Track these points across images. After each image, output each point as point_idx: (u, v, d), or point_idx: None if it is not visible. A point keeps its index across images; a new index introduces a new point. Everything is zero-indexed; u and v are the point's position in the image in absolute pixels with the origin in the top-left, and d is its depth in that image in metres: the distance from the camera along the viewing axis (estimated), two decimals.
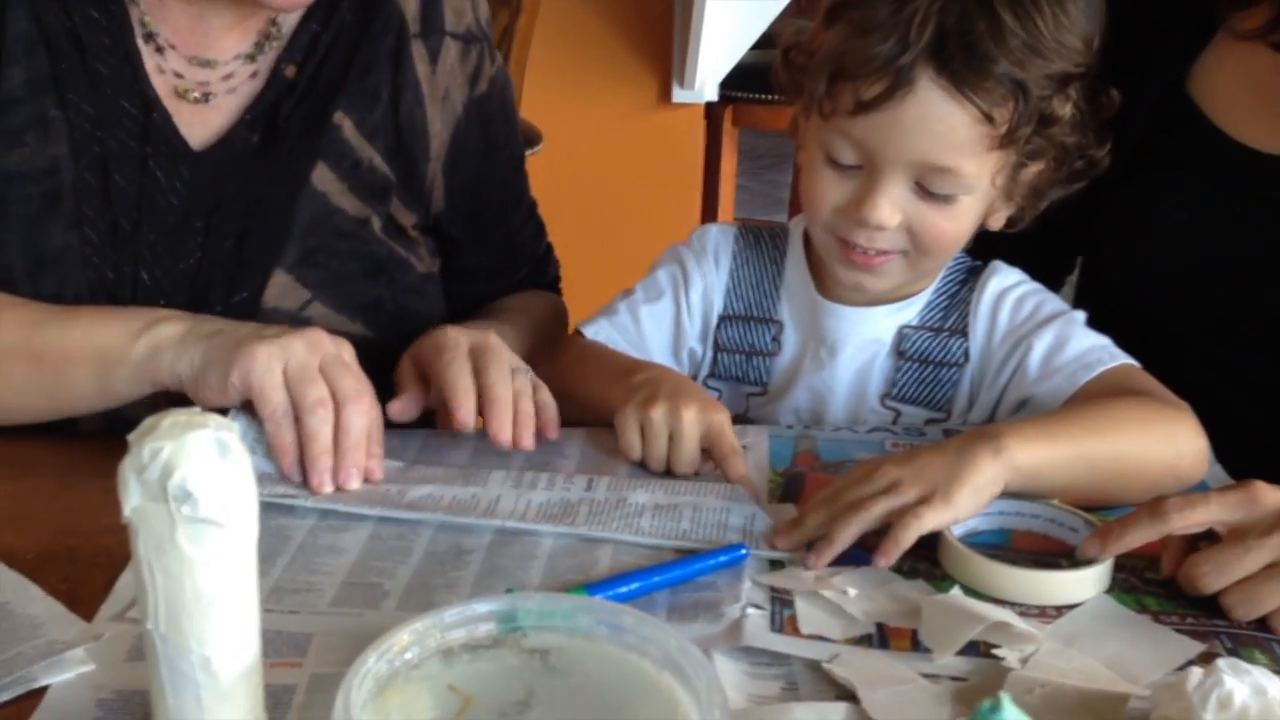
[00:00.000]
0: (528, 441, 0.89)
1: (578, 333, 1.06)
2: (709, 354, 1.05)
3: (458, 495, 0.85)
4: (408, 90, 1.05)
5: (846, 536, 0.77)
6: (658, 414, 0.89)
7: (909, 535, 0.76)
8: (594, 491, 0.86)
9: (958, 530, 0.79)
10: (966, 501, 0.77)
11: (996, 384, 0.98)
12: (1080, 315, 0.98)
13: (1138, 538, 0.75)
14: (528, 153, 2.05)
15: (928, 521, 0.76)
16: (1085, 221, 1.09)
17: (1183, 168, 1.07)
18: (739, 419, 1.02)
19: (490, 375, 0.90)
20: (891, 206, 0.91)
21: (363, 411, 0.84)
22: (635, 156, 2.50)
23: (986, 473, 0.78)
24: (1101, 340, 0.96)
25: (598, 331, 1.04)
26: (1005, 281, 1.00)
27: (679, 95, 2.44)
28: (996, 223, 0.97)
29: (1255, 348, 1.04)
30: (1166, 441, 0.86)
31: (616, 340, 1.04)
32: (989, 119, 0.87)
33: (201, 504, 0.56)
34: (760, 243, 1.06)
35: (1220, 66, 1.06)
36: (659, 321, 1.05)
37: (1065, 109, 0.91)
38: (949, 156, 0.89)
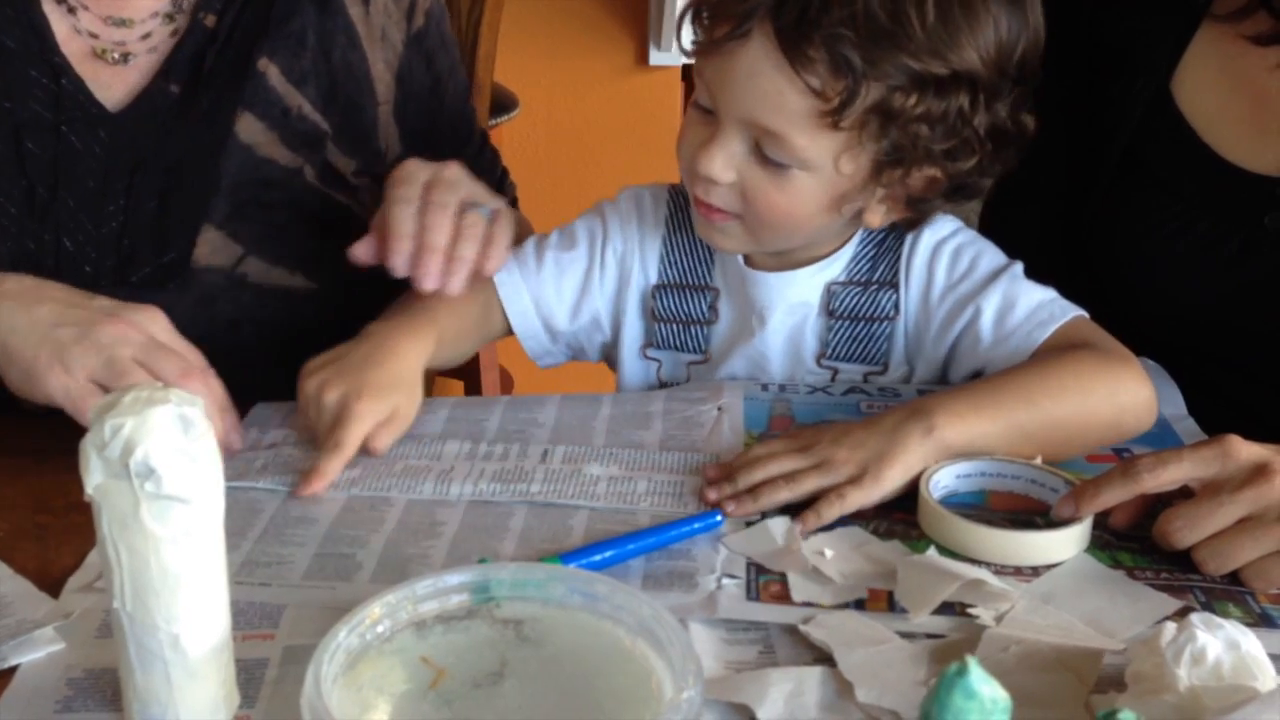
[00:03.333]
0: (454, 285, 0.89)
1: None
2: (643, 324, 1.03)
3: (412, 464, 0.84)
4: (338, 34, 1.03)
5: (771, 502, 0.80)
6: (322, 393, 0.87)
7: (831, 512, 0.79)
8: (549, 462, 0.86)
9: (936, 491, 0.79)
10: (895, 479, 0.80)
11: (942, 343, 0.96)
12: (1019, 266, 0.96)
13: (1111, 497, 0.75)
14: (505, 118, 2.03)
15: (851, 501, 0.79)
16: (1075, 234, 1.06)
17: (1173, 189, 1.03)
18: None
19: (429, 216, 0.87)
20: (726, 161, 0.88)
21: (195, 390, 0.77)
22: (612, 120, 2.48)
23: (916, 453, 0.80)
24: (1049, 294, 0.94)
25: (503, 273, 1.00)
26: (940, 232, 0.98)
27: (656, 58, 2.42)
28: (872, 218, 0.93)
29: (1257, 375, 1.01)
30: (1108, 399, 0.86)
31: (519, 284, 1.01)
32: (815, 92, 0.84)
33: (165, 480, 0.55)
34: (691, 208, 1.02)
35: (1207, 64, 1.03)
36: (565, 271, 1.02)
37: (916, 108, 0.85)
38: (777, 120, 0.86)
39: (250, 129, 1.00)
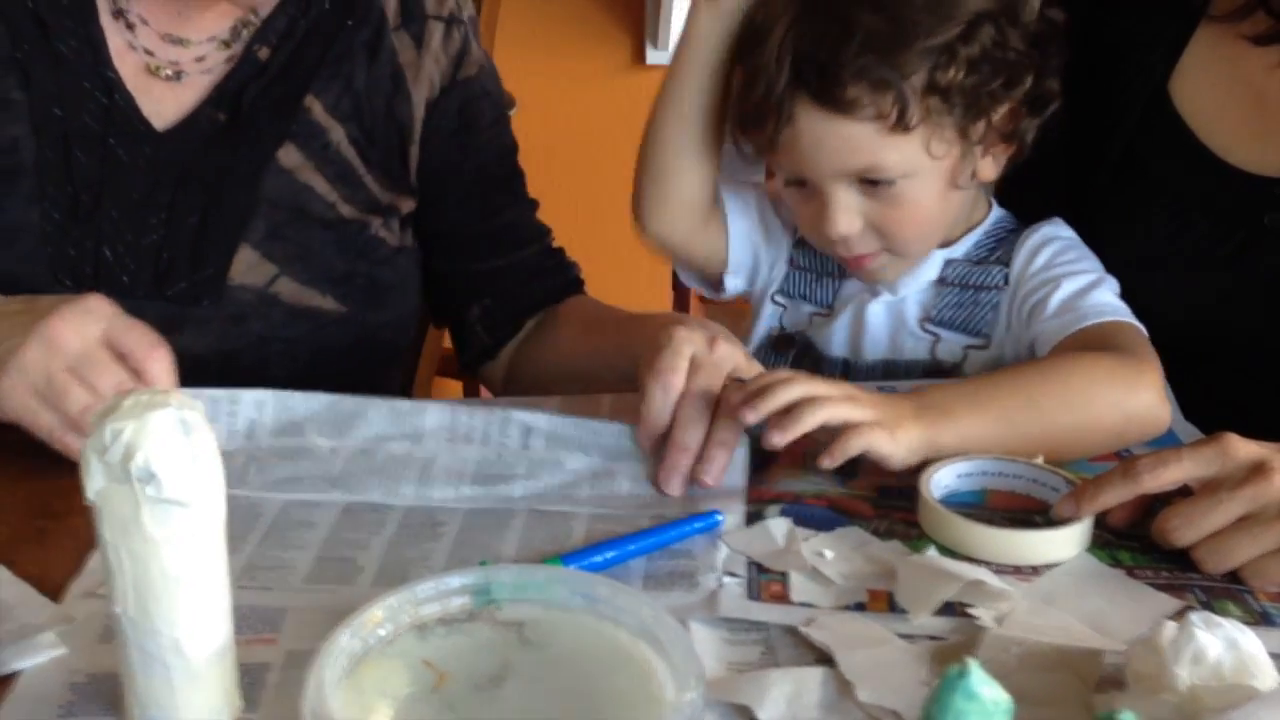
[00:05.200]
0: (675, 487, 0.82)
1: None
2: (780, 271, 1.09)
3: (393, 451, 0.84)
4: (385, 81, 1.04)
5: (810, 423, 0.78)
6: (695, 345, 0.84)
7: (855, 445, 0.78)
8: (531, 449, 0.85)
9: (936, 491, 0.80)
10: (901, 451, 0.80)
11: (1022, 313, 1.00)
12: (1114, 281, 1.00)
13: (1111, 497, 0.75)
14: None
15: (875, 439, 0.78)
16: (1076, 233, 1.05)
17: (1172, 189, 1.03)
18: (788, 339, 1.09)
19: (683, 411, 0.80)
20: (848, 216, 0.96)
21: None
22: (610, 119, 2.47)
23: (913, 437, 0.81)
24: (1122, 305, 0.97)
25: (729, 197, 1.07)
26: (1059, 231, 1.03)
27: (653, 56, 2.43)
28: (987, 171, 1.00)
29: (1256, 374, 1.01)
30: (1114, 407, 0.86)
31: (739, 209, 1.08)
32: (874, 118, 0.91)
33: (165, 484, 0.56)
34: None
35: (1206, 65, 1.03)
36: (755, 206, 1.09)
37: (958, 72, 0.91)
38: (861, 159, 0.94)
39: (291, 157, 1.01)
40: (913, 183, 0.95)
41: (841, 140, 0.93)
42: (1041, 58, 0.96)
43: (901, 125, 0.92)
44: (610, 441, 0.85)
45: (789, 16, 0.93)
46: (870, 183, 0.95)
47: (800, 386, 0.80)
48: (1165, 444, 0.86)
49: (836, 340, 1.07)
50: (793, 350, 1.08)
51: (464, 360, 1.17)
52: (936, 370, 1.03)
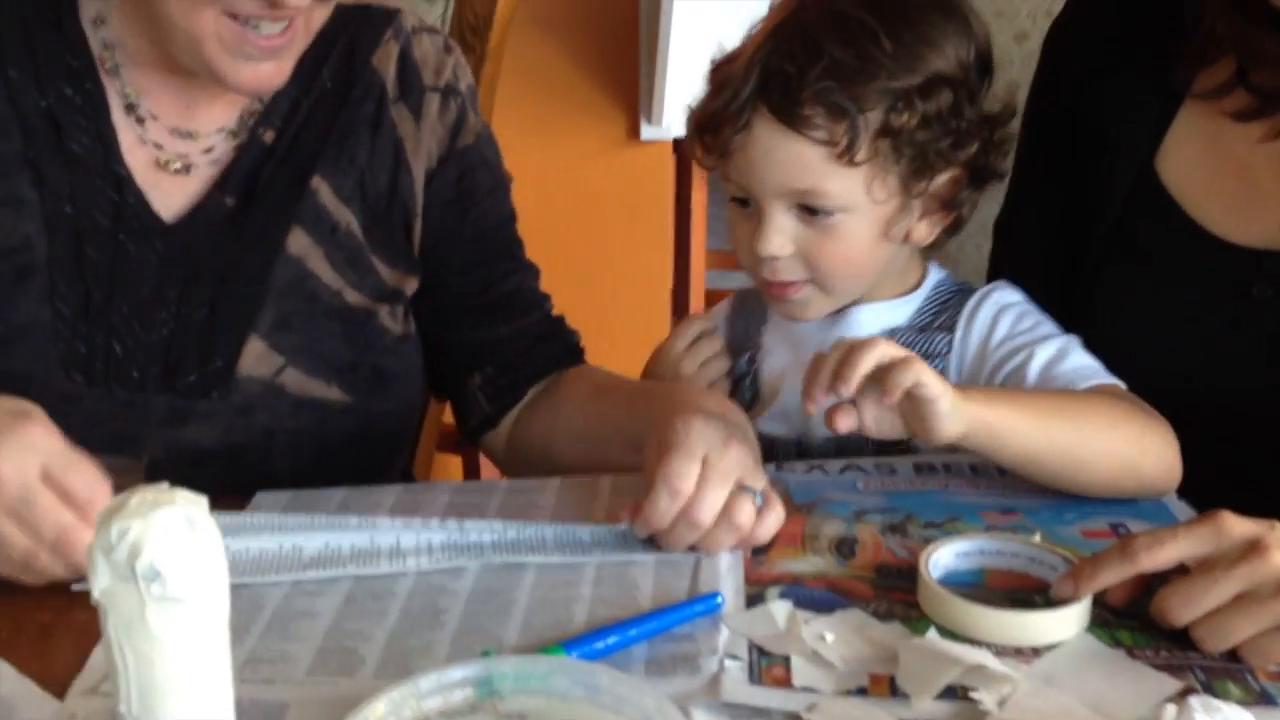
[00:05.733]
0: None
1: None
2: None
3: (356, 543, 0.85)
4: (387, 156, 1.06)
5: (861, 368, 0.83)
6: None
7: (908, 376, 0.82)
8: (492, 534, 0.87)
9: (934, 571, 0.80)
10: (951, 405, 0.84)
11: (992, 383, 1.01)
12: (1077, 339, 1.02)
13: (1109, 576, 0.75)
14: None
15: (923, 373, 0.82)
16: (1068, 305, 1.07)
17: (1160, 262, 1.06)
18: None
19: (705, 488, 0.81)
20: (781, 237, 0.99)
21: (75, 553, 0.74)
22: (606, 194, 2.51)
23: (959, 405, 0.84)
24: (1098, 363, 1.00)
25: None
26: (1010, 298, 1.06)
27: (647, 132, 2.46)
28: (921, 234, 1.03)
29: (1249, 443, 1.03)
30: (1133, 440, 0.91)
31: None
32: (824, 141, 0.95)
33: (170, 582, 0.56)
34: (753, 294, 1.13)
35: (1191, 141, 1.05)
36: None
37: (912, 120, 0.96)
38: (806, 179, 0.97)
39: (300, 243, 1.02)
40: (849, 218, 0.99)
41: (791, 156, 0.96)
42: (991, 134, 1.01)
43: (849, 155, 0.96)
44: (607, 539, 0.87)
45: (763, 35, 0.98)
46: (809, 210, 0.98)
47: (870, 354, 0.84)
48: (1162, 523, 0.86)
49: (781, 423, 1.07)
50: None
51: (465, 429, 1.17)
52: (889, 442, 1.02)
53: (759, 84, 0.96)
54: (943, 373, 1.01)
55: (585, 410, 1.09)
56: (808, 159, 0.96)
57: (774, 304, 1.07)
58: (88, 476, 0.75)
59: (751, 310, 1.13)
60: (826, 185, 0.97)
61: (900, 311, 1.06)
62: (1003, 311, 1.04)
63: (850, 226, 0.99)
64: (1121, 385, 0.98)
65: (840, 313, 1.06)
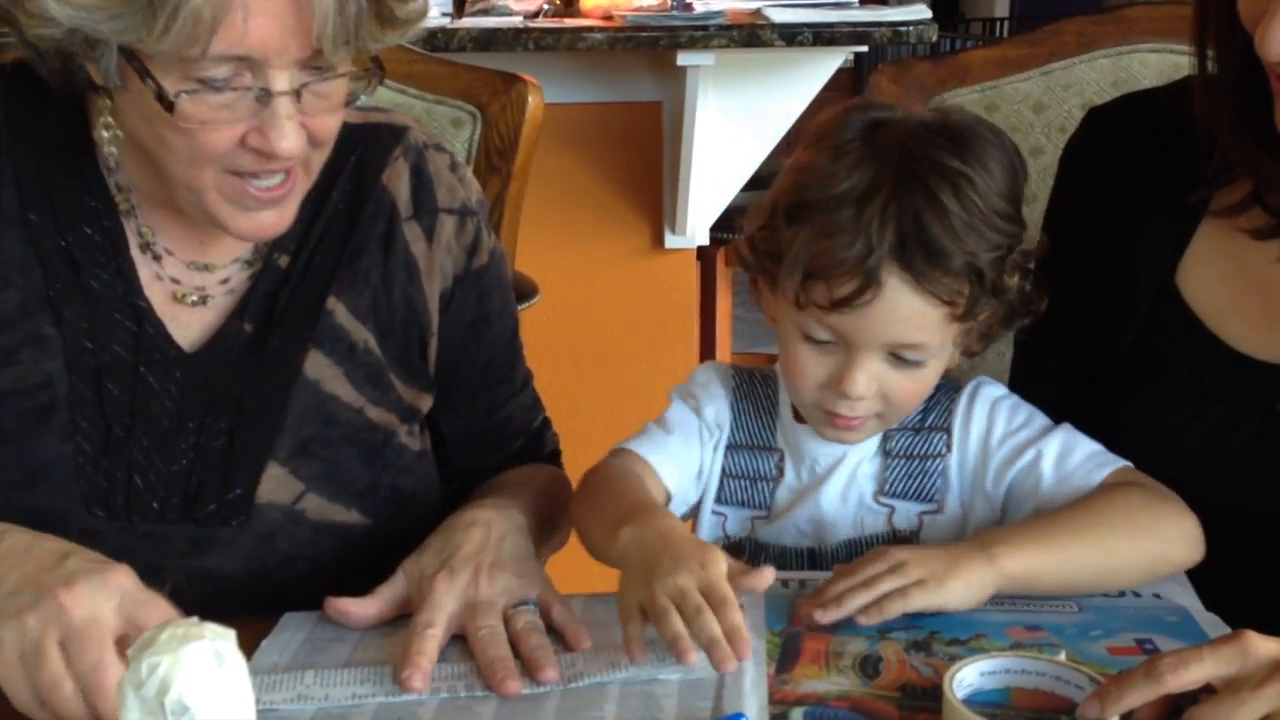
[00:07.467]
0: (512, 687, 0.84)
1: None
2: (715, 481, 1.09)
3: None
4: (399, 272, 1.07)
5: (853, 605, 0.88)
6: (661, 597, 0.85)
7: (894, 608, 0.88)
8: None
9: (960, 691, 0.79)
10: (959, 591, 0.89)
11: (1002, 481, 1.03)
12: (1068, 424, 1.04)
13: (1136, 698, 0.75)
14: (525, 306, 2.09)
15: (915, 601, 0.88)
16: (1091, 419, 1.07)
17: (1183, 378, 1.06)
18: (739, 545, 1.08)
19: (490, 643, 0.86)
20: (868, 380, 0.99)
21: (105, 693, 0.74)
22: (631, 303, 2.54)
23: (979, 573, 0.90)
24: (1097, 445, 1.02)
25: (647, 448, 1.07)
26: (996, 392, 1.07)
27: (671, 241, 2.49)
28: (955, 361, 1.05)
29: (1275, 561, 1.02)
30: (1152, 534, 0.95)
31: (662, 454, 1.06)
32: (949, 303, 0.96)
33: (198, 717, 0.57)
34: (754, 381, 1.11)
35: (1211, 257, 1.06)
36: (687, 438, 1.08)
37: (1014, 277, 0.98)
38: (918, 335, 0.98)
39: (317, 365, 1.03)
40: (934, 362, 1.00)
41: (914, 314, 0.95)
42: (1026, 271, 1.01)
43: (971, 316, 0.97)
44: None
45: (889, 185, 0.93)
46: (900, 357, 0.98)
47: (850, 579, 0.90)
48: (1189, 639, 0.86)
49: (793, 533, 1.07)
50: (744, 556, 1.06)
51: None
52: (894, 539, 1.04)
53: (897, 242, 0.92)
54: (944, 473, 1.05)
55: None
56: (929, 318, 0.96)
57: (830, 431, 1.03)
58: (158, 615, 0.78)
59: (760, 406, 1.09)
60: (933, 339, 0.98)
61: None
62: (995, 408, 1.05)
63: (933, 368, 1.01)
64: (1129, 465, 1.00)
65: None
